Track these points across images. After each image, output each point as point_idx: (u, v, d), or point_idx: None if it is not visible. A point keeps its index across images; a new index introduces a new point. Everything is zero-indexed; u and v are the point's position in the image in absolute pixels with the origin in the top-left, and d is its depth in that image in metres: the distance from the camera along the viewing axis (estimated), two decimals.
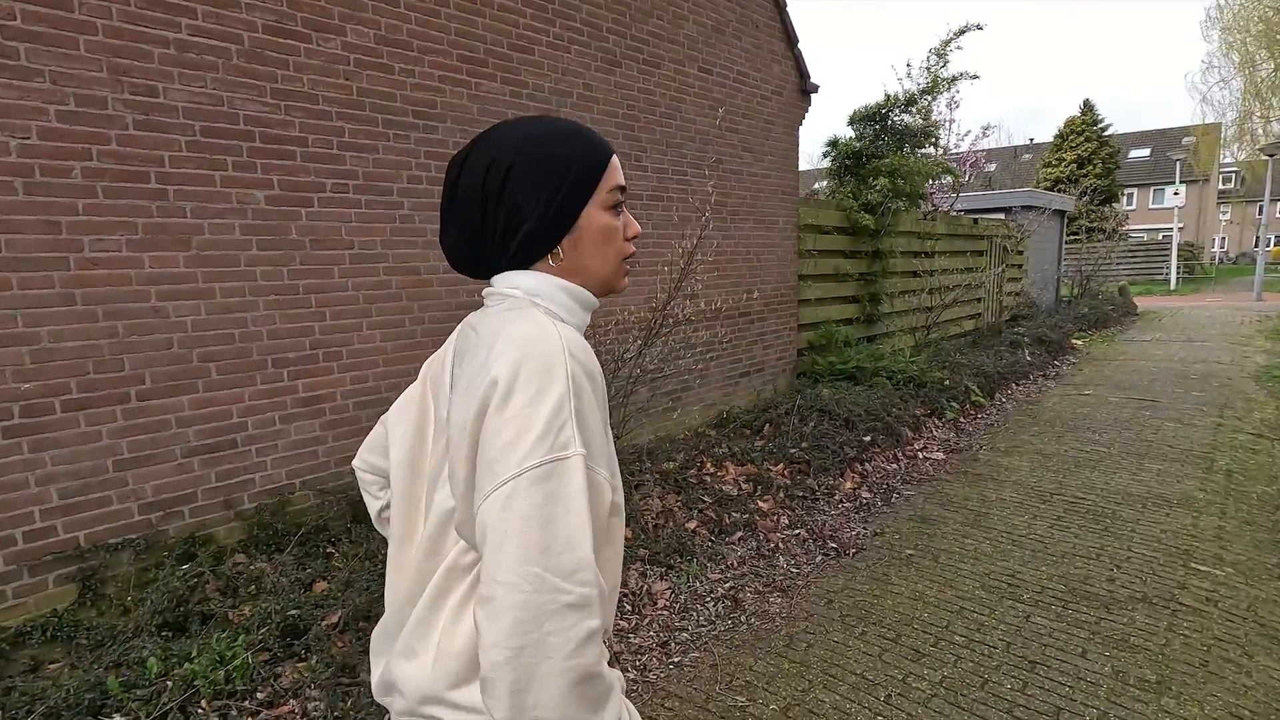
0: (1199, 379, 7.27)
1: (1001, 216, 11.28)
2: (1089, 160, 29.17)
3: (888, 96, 7.02)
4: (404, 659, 0.79)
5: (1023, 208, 11.61)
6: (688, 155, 4.86)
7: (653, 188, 4.62)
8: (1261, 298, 16.09)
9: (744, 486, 3.94)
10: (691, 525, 3.44)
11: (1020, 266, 11.41)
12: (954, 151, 9.85)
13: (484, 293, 0.88)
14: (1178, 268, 22.76)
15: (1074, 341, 9.92)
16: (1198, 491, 4.06)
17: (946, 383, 5.97)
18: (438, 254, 3.34)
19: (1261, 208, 19.06)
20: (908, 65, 7.20)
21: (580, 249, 0.84)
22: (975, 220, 9.90)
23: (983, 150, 10.36)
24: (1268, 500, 3.92)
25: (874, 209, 6.82)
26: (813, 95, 6.05)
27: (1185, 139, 27.05)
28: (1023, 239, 11.02)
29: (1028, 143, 46.76)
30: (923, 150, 7.54)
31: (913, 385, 5.85)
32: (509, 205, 0.80)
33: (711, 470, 4.13)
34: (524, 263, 0.84)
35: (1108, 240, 15.10)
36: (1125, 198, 37.11)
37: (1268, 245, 24.43)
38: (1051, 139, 31.54)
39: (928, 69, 7.10)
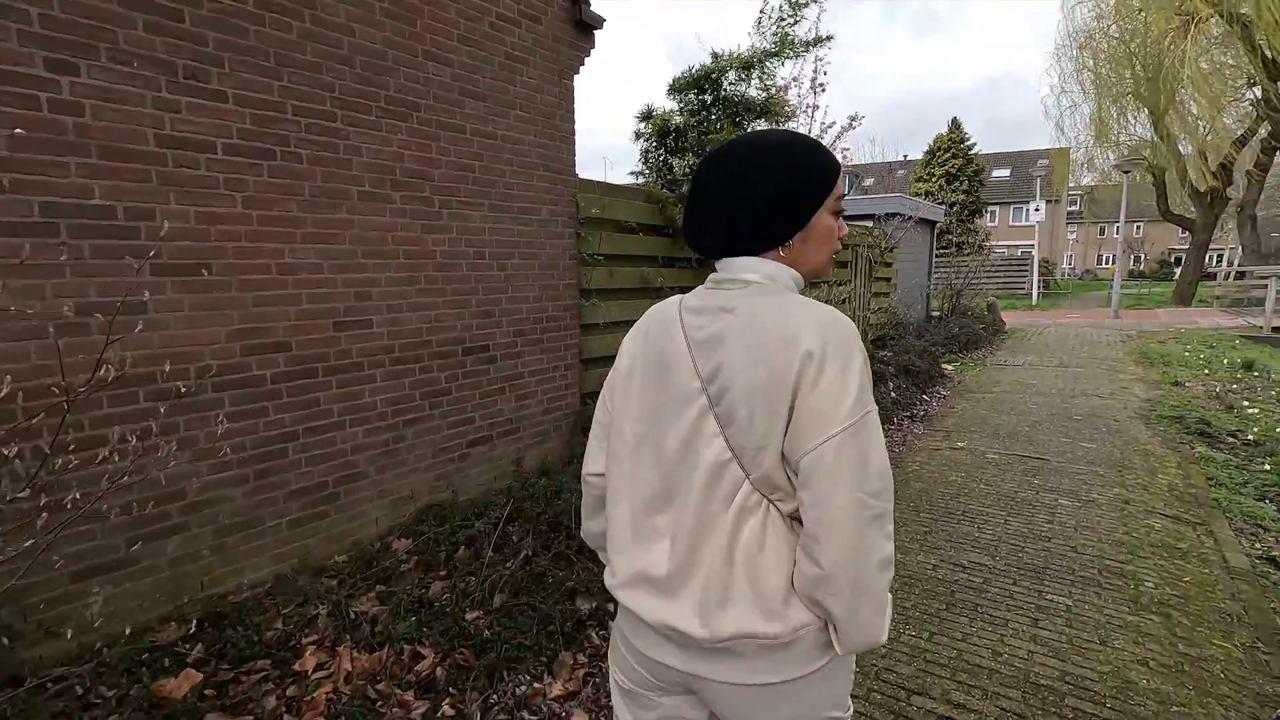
0: (1085, 420, 6.06)
1: (869, 225, 10.06)
2: (957, 176, 29.83)
3: (717, 56, 5.34)
4: (718, 609, 0.95)
5: (891, 215, 10.47)
6: (337, 85, 2.85)
7: (247, 133, 2.57)
8: (1119, 315, 16.13)
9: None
10: None
11: (889, 280, 10.24)
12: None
13: (714, 277, 1.05)
14: (1038, 283, 23.23)
15: (945, 367, 8.75)
16: (1132, 665, 2.49)
17: None
18: None
19: (1118, 228, 19.46)
20: (759, 15, 5.54)
21: (807, 244, 1.02)
22: None
23: (849, 148, 9.04)
24: (1236, 674, 2.40)
25: None
26: (597, 33, 4.22)
27: (1041, 161, 28.13)
28: (891, 248, 9.83)
29: (902, 159, 48.48)
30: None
31: None
32: (754, 201, 0.98)
33: (298, 674, 2.13)
34: (756, 250, 1.01)
35: (977, 254, 14.53)
36: (989, 215, 38.81)
37: (1111, 263, 25.62)
38: (922, 155, 32.16)
39: (779, 20, 5.46)
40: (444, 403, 3.43)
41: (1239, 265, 21.75)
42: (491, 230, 3.62)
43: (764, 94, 5.71)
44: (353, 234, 2.95)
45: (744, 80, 5.49)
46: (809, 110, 8.00)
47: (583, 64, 4.16)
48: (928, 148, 31.69)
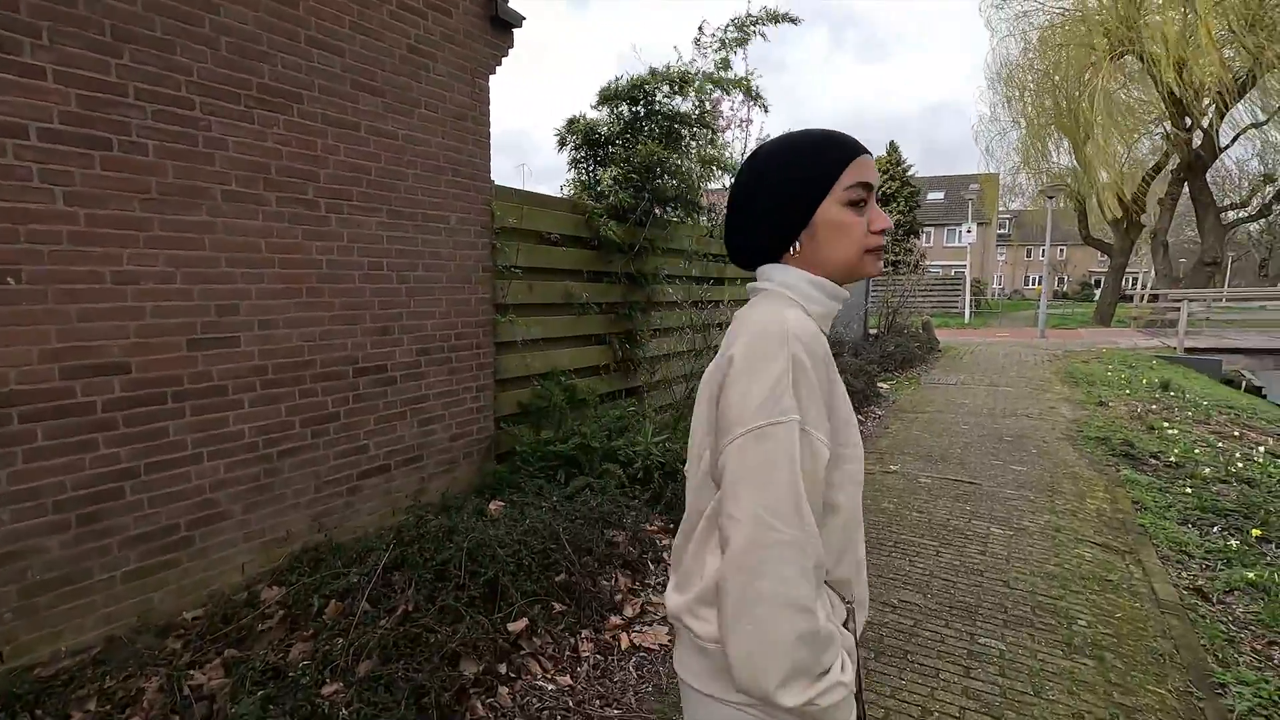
0: (1015, 441, 6.06)
1: None
2: (894, 197, 30.70)
3: (654, 72, 5.14)
4: (675, 586, 1.01)
5: None
6: (195, 68, 2.48)
7: (72, 117, 2.18)
8: (1045, 334, 16.71)
9: None
10: None
11: None
12: None
13: (748, 286, 1.04)
14: (970, 302, 24.00)
15: (881, 385, 8.75)
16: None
17: None
18: None
19: (1044, 251, 20.21)
20: (699, 32, 5.36)
21: (816, 243, 0.96)
22: None
23: None
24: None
25: (624, 214, 4.86)
26: (516, 32, 3.95)
27: (972, 185, 29.26)
28: None
29: None
30: (698, 147, 5.77)
31: (661, 477, 3.86)
32: (753, 210, 0.98)
33: None
34: (776, 256, 1.00)
35: (913, 273, 14.82)
36: (924, 235, 40.15)
37: (1037, 284, 26.76)
38: None
39: (722, 41, 5.30)
40: (330, 430, 3.06)
41: (1152, 288, 23.00)
42: (391, 238, 3.28)
43: (698, 109, 5.54)
44: (215, 239, 2.57)
45: (678, 95, 5.30)
46: (742, 124, 7.97)
47: (499, 63, 3.88)
48: None
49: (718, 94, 7.75)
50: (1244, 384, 12.96)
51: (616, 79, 5.12)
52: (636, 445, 3.97)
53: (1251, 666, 2.66)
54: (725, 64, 5.49)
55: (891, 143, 32.22)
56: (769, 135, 8.40)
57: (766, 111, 7.80)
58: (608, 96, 5.18)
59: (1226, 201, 24.01)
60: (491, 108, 3.83)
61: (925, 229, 40.61)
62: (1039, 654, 2.64)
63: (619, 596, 2.84)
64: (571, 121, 5.04)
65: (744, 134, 8.12)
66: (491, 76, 3.84)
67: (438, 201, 3.52)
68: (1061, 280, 52.29)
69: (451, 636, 2.18)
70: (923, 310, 16.37)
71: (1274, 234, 42.48)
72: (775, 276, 0.98)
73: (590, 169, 5.11)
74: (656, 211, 5.22)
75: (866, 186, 0.94)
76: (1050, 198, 18.55)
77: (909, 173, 31.74)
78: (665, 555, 3.30)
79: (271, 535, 2.83)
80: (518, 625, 2.38)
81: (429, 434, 3.57)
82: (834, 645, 0.83)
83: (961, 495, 4.57)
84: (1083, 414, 7.26)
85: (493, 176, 3.88)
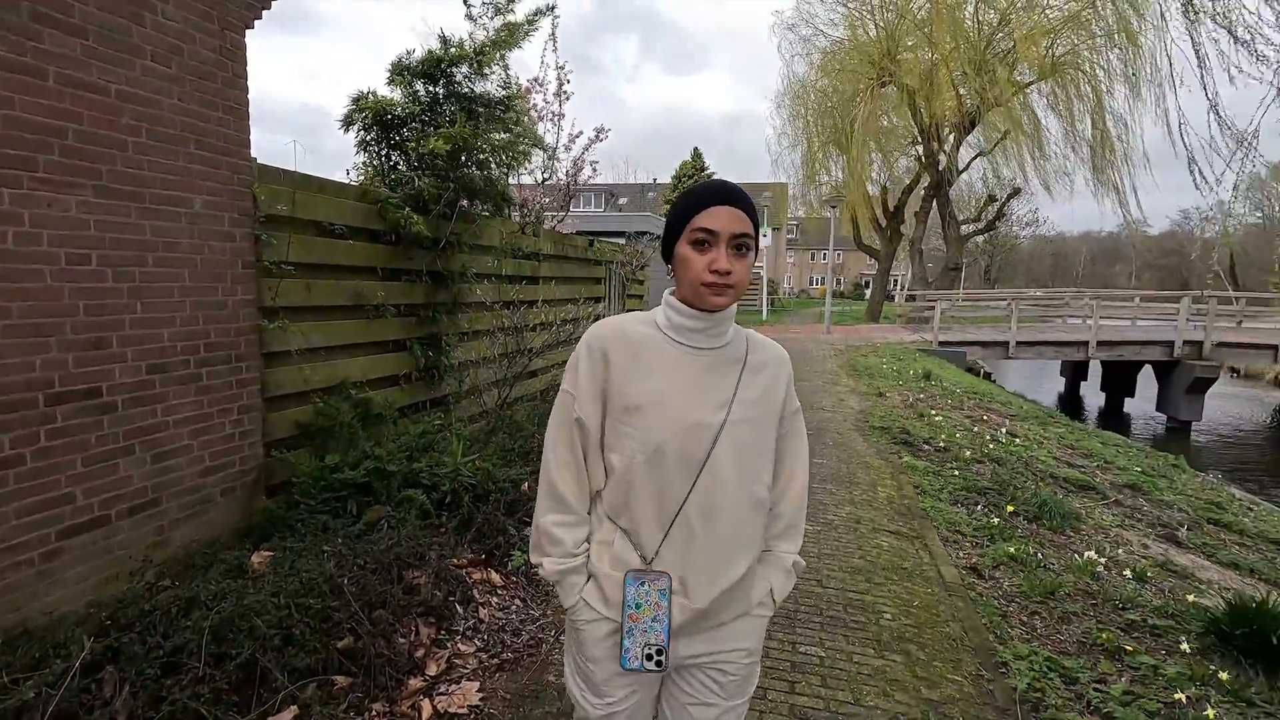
0: (814, 435, 6.47)
1: (622, 241, 10.06)
2: None
3: (445, 41, 4.64)
4: None
5: (641, 233, 10.62)
6: None
7: None
8: (830, 330, 18.53)
9: None
10: None
11: (641, 297, 10.35)
12: (567, 156, 8.10)
13: None
14: (767, 300, 26.01)
15: None
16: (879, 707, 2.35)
17: (527, 487, 3.73)
18: None
19: (826, 254, 22.38)
20: (466, 3, 4.86)
21: (676, 272, 1.24)
22: (592, 241, 8.30)
23: (597, 160, 8.85)
24: (972, 713, 2.37)
25: (427, 206, 4.35)
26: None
27: (766, 193, 31.82)
28: (643, 265, 9.92)
29: (652, 180, 51.64)
30: (506, 134, 5.39)
31: (472, 501, 3.46)
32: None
33: None
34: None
35: None
36: None
37: (820, 284, 29.83)
38: (670, 179, 34.48)
39: (495, 9, 4.89)
40: (9, 479, 2.27)
41: (909, 289, 26.59)
42: (102, 224, 2.53)
43: (503, 91, 5.15)
44: None
45: (479, 76, 4.87)
46: (554, 119, 7.70)
47: (259, 16, 3.21)
48: (675, 172, 34.03)
49: (525, 82, 7.40)
50: (981, 371, 15.35)
51: (409, 52, 4.57)
52: (443, 466, 3.53)
53: (1022, 639, 2.94)
54: (511, 30, 5.05)
55: (695, 149, 34.01)
56: (581, 132, 8.22)
57: (567, 99, 7.56)
58: (401, 71, 4.60)
59: (964, 216, 28.47)
60: (252, 71, 3.15)
61: None
62: (854, 656, 2.69)
63: (420, 652, 2.42)
64: (359, 99, 4.40)
65: (555, 128, 7.92)
66: (249, 31, 3.16)
67: (174, 179, 2.80)
68: (839, 281, 58.90)
69: None
70: None
71: (994, 244, 51.72)
72: (667, 289, 1.30)
73: (383, 153, 4.51)
74: (464, 203, 4.76)
75: (709, 231, 1.17)
76: (833, 207, 20.58)
77: (711, 178, 33.67)
78: (477, 593, 2.93)
79: None
80: (283, 718, 1.89)
81: (168, 471, 2.84)
82: (553, 542, 1.24)
83: None
84: (867, 404, 8.01)
85: (275, 160, 3.21)
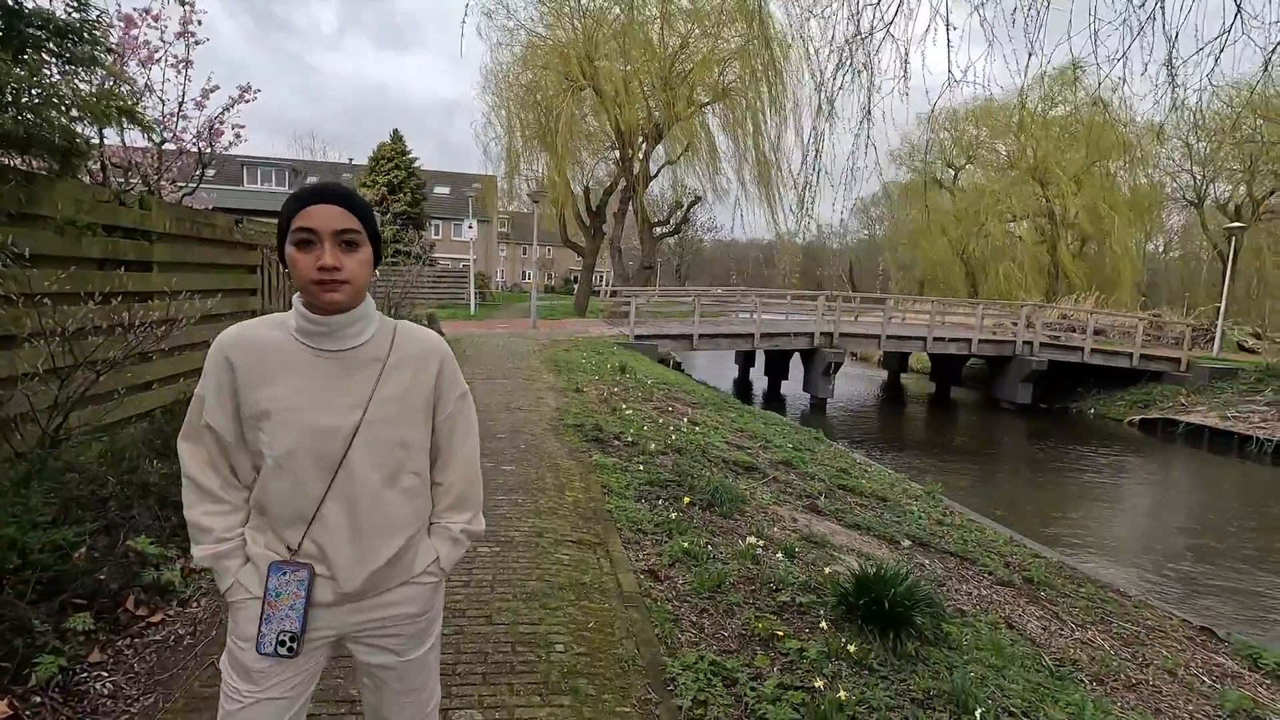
0: (507, 438, 6.11)
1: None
2: (400, 187, 30.15)
3: None
4: None
5: None
6: None
7: None
8: (537, 325, 18.56)
9: None
10: None
11: None
12: (187, 118, 6.49)
13: None
14: (475, 294, 25.26)
15: None
16: None
17: (81, 555, 2.64)
18: None
19: (527, 249, 22.42)
20: None
21: (290, 272, 1.24)
22: (239, 220, 6.81)
23: (243, 125, 7.26)
24: None
25: None
26: None
27: (474, 184, 30.90)
28: None
29: (348, 161, 46.89)
30: (84, 77, 4.00)
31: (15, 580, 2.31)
32: None
33: None
34: None
35: (417, 264, 14.49)
36: (434, 228, 40.87)
37: (531, 279, 30.04)
38: (367, 161, 31.49)
39: None
40: None
41: (611, 286, 28.16)
42: None
43: (73, 13, 3.79)
44: None
45: None
46: (179, 66, 6.13)
47: None
48: (372, 154, 31.16)
49: (127, 11, 5.78)
50: (672, 362, 16.72)
51: None
52: None
53: (691, 643, 2.89)
54: None
55: (395, 131, 31.49)
56: (218, 87, 6.70)
57: (196, 43, 6.18)
58: None
59: (656, 219, 31.01)
60: None
61: (434, 221, 41.39)
62: (518, 710, 2.34)
63: None
64: None
65: (181, 77, 6.32)
66: None
67: None
68: (550, 276, 60.42)
69: None
70: (430, 303, 16.28)
71: (684, 246, 57.88)
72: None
73: None
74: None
75: (309, 230, 1.20)
76: (536, 202, 20.66)
77: (415, 164, 31.59)
78: None
79: None
80: None
81: None
82: (203, 531, 1.28)
83: None
84: (564, 401, 7.94)
85: None
